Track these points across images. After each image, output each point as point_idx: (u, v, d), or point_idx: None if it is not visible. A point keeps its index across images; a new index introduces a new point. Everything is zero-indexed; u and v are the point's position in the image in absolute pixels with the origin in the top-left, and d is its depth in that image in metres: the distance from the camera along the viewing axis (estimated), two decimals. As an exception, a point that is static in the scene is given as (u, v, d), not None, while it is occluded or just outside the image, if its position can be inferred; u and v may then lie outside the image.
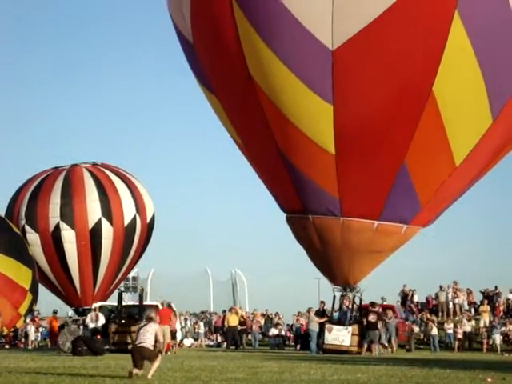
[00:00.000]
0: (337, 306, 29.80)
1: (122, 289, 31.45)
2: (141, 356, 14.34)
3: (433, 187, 26.05)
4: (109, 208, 37.97)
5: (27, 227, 37.75)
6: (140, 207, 39.11)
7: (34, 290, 41.43)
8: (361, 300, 29.08)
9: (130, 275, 32.22)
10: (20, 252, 40.05)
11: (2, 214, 39.42)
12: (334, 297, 29.35)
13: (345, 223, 26.64)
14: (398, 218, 26.66)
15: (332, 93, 24.23)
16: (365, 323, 28.80)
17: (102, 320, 31.28)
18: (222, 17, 24.79)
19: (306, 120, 25.13)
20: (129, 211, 38.56)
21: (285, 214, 28.55)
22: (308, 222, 27.26)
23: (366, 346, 28.42)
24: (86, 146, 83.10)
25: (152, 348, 14.57)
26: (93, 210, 37.69)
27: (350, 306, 28.96)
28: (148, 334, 14.58)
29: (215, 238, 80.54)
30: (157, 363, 14.33)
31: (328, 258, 27.84)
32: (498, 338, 34.57)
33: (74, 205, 37.66)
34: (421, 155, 25.04)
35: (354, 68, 23.98)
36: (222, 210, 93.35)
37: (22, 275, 40.27)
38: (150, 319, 14.99)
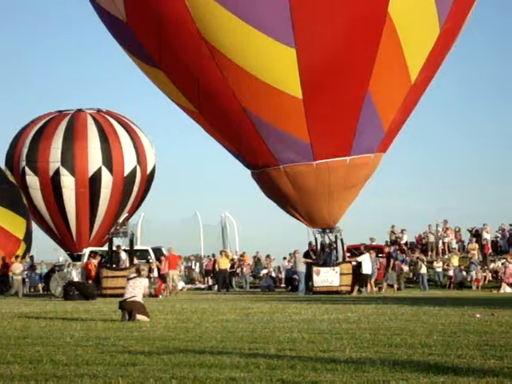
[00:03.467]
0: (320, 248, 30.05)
1: (113, 234, 31.48)
2: (131, 310, 14.39)
3: (394, 108, 26.31)
4: (110, 157, 37.83)
5: (27, 169, 37.58)
6: (141, 158, 38.96)
7: (27, 240, 41.53)
8: (342, 239, 29.25)
9: (121, 220, 32.21)
10: (14, 202, 39.99)
11: (3, 156, 39.25)
12: (316, 239, 29.56)
13: (319, 166, 26.78)
14: (366, 148, 26.98)
15: (293, 36, 24.14)
16: (354, 264, 29.03)
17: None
18: None
19: (270, 69, 24.99)
20: (130, 161, 38.44)
21: (249, 171, 28.57)
22: (280, 172, 27.29)
23: (356, 286, 28.68)
24: (92, 93, 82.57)
25: (142, 302, 14.63)
26: (94, 157, 37.56)
27: (333, 247, 29.16)
28: (138, 289, 14.64)
29: (205, 182, 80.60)
30: (146, 317, 14.37)
31: (304, 204, 27.99)
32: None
33: (75, 151, 37.50)
34: (382, 79, 25.26)
35: (310, 6, 23.92)
36: (211, 154, 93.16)
37: (16, 225, 40.28)
38: (138, 272, 14.97)
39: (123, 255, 30.15)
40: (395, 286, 31.28)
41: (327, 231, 29.04)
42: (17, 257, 35.52)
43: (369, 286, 29.71)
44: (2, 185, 40.49)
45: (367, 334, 11.05)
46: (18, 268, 33.02)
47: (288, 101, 25.22)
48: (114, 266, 29.85)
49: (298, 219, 29.12)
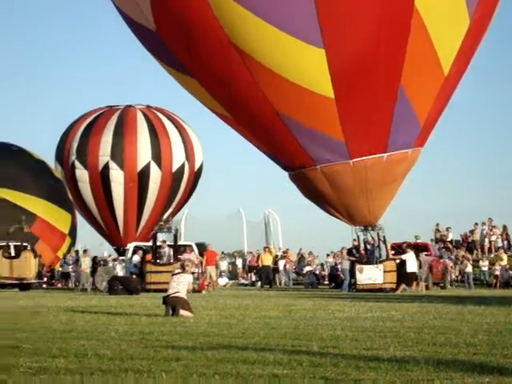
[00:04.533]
0: (362, 246, 29.95)
1: (157, 229, 31.65)
2: (174, 306, 14.47)
3: (429, 102, 26.10)
4: (159, 152, 38.05)
5: (77, 163, 37.93)
6: (189, 154, 39.12)
7: (72, 234, 42.08)
8: (384, 237, 29.10)
9: (165, 216, 32.39)
10: (60, 197, 40.57)
11: (54, 149, 39.68)
12: (358, 237, 29.47)
13: (355, 164, 26.68)
14: (402, 144, 26.81)
15: (320, 36, 24.07)
16: (398, 261, 28.84)
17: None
18: None
19: (299, 70, 24.93)
20: (178, 157, 38.61)
21: (287, 173, 28.59)
22: (316, 172, 27.26)
23: (402, 284, 28.48)
24: (141, 89, 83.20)
25: (186, 298, 14.71)
26: (143, 152, 37.79)
27: (376, 245, 29.03)
28: (182, 285, 14.71)
29: (249, 179, 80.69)
30: (190, 313, 14.43)
31: (343, 203, 27.92)
32: None
33: (124, 145, 37.77)
34: (414, 73, 25.10)
35: (336, 4, 23.84)
36: (254, 152, 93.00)
37: (61, 220, 40.89)
38: (183, 268, 15.05)
39: (167, 250, 30.34)
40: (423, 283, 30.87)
41: (369, 229, 28.92)
42: (85, 251, 35.92)
43: (414, 284, 29.51)
44: (48, 180, 41.05)
45: (411, 332, 10.97)
46: (84, 263, 33.38)
47: (320, 101, 25.19)
48: (157, 261, 30.05)
49: (338, 218, 29.06)
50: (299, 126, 26.08)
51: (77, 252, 42.30)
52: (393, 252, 30.35)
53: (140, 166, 37.76)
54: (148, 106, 40.21)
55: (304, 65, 24.68)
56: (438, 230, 40.84)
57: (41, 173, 41.25)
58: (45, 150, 48.55)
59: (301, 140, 26.54)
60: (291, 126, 26.13)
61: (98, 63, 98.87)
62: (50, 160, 42.59)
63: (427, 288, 30.51)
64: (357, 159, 26.64)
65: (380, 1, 24.03)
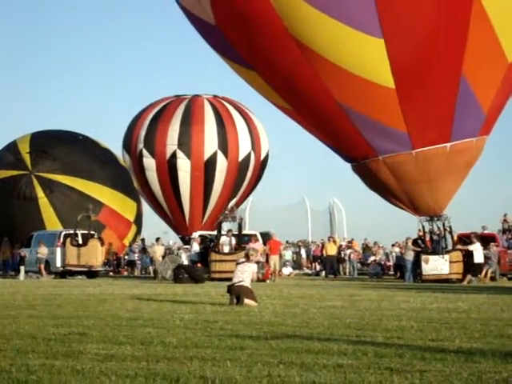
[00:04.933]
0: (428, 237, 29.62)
1: (222, 218, 31.82)
2: (239, 294, 14.53)
3: (492, 89, 25.61)
4: (225, 141, 38.22)
5: (144, 151, 38.32)
6: (255, 144, 39.19)
7: (138, 222, 42.57)
8: (450, 227, 28.76)
9: (229, 205, 32.52)
10: (125, 185, 41.08)
11: (121, 138, 40.21)
12: (423, 227, 29.16)
13: (418, 154, 26.39)
14: (467, 133, 26.41)
15: (380, 26, 23.81)
16: (465, 252, 28.49)
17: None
18: None
19: (359, 62, 24.70)
20: (244, 147, 38.72)
21: (350, 165, 28.40)
22: (379, 163, 27.03)
23: (468, 275, 28.14)
24: (208, 79, 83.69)
25: (250, 287, 14.75)
26: (210, 141, 38.01)
27: (442, 235, 28.70)
28: (246, 273, 14.75)
29: (313, 169, 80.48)
30: (254, 302, 14.47)
31: (407, 193, 27.65)
32: None
33: (192, 134, 38.04)
34: (476, 61, 24.67)
35: None
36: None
37: (127, 208, 41.39)
38: (247, 257, 15.08)
39: (231, 240, 30.47)
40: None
41: (435, 219, 28.60)
42: (157, 239, 36.42)
43: (482, 275, 29.13)
44: (114, 168, 41.58)
45: (478, 324, 10.83)
46: (158, 251, 33.81)
47: (381, 91, 24.98)
48: (222, 250, 30.21)
49: (403, 209, 28.81)
50: (361, 117, 25.93)
51: (143, 240, 42.81)
52: (460, 243, 29.98)
53: (207, 155, 37.95)
54: (215, 96, 40.36)
55: (364, 56, 24.53)
56: (505, 221, 40.15)
57: (107, 161, 41.78)
58: (111, 139, 49.21)
59: (362, 131, 26.39)
60: (353, 117, 25.99)
61: (165, 53, 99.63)
62: (115, 149, 43.18)
63: (494, 279, 30.06)
64: (420, 149, 26.39)
65: None
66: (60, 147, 40.93)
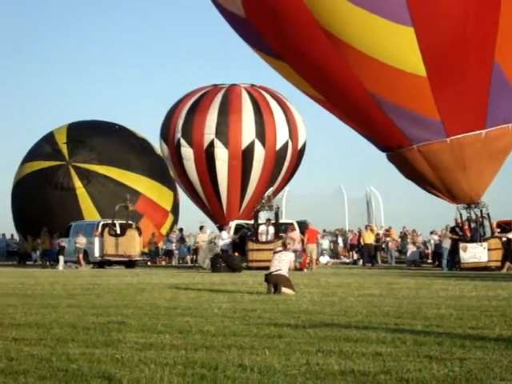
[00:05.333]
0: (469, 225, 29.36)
1: (259, 207, 31.81)
2: (276, 283, 14.53)
3: None
4: (263, 130, 38.17)
5: (182, 141, 38.40)
6: (293, 133, 39.10)
7: (174, 212, 42.78)
8: (488, 214, 28.50)
9: (266, 194, 32.51)
10: (162, 174, 41.28)
11: (158, 128, 40.36)
12: (461, 215, 28.94)
13: (453, 142, 26.18)
14: (502, 119, 26.12)
15: (409, 14, 23.61)
16: (505, 239, 28.25)
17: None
18: None
19: (390, 51, 24.53)
20: (282, 136, 38.64)
21: (385, 154, 28.25)
22: (414, 152, 26.87)
23: (507, 263, 27.89)
24: (245, 68, 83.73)
25: (287, 275, 14.75)
26: (247, 130, 37.97)
27: (480, 222, 28.45)
28: (284, 262, 14.75)
29: (350, 157, 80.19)
30: (291, 291, 14.47)
31: (443, 181, 27.45)
32: None
33: (229, 123, 38.03)
34: (509, 47, 24.34)
35: None
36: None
37: (163, 197, 41.60)
38: (284, 246, 15.07)
39: (269, 229, 30.44)
40: None
41: (472, 206, 28.38)
42: (201, 227, 36.59)
43: None
44: (150, 158, 41.79)
45: (518, 311, 10.74)
46: (203, 239, 33.98)
47: (413, 80, 24.82)
48: (260, 239, 30.23)
49: (440, 197, 28.63)
50: (393, 106, 25.80)
51: (181, 230, 42.98)
52: (499, 230, 29.72)
53: (244, 144, 37.92)
54: (252, 85, 40.31)
55: (394, 44, 24.40)
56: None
57: (143, 151, 42.01)
58: (148, 129, 49.39)
59: (396, 120, 26.26)
60: (385, 106, 25.88)
61: (201, 43, 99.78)
62: (152, 138, 43.35)
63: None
64: (454, 137, 26.20)
65: None
66: (96, 137, 41.22)
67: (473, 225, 28.84)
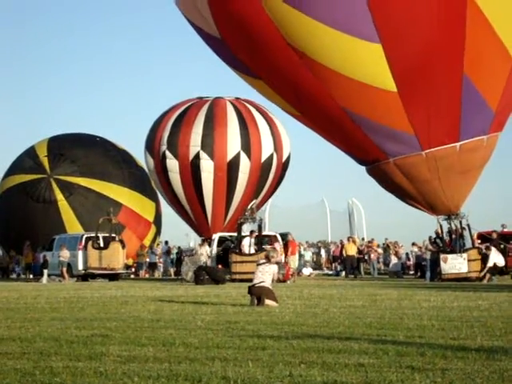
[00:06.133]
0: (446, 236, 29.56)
1: (242, 220, 31.83)
2: (260, 295, 14.57)
3: (499, 88, 25.56)
4: (248, 142, 38.24)
5: (168, 153, 38.38)
6: (278, 145, 39.21)
7: (157, 223, 42.70)
8: (468, 225, 28.68)
9: (250, 206, 32.54)
10: (144, 186, 41.27)
11: (141, 139, 40.36)
12: (441, 226, 29.13)
13: (428, 155, 26.40)
14: (476, 131, 26.34)
15: (376, 31, 23.86)
16: (483, 250, 28.44)
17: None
18: (245, 4, 24.46)
19: (359, 67, 24.77)
20: (267, 148, 38.72)
21: (364, 168, 28.46)
22: (391, 165, 27.08)
23: (488, 274, 28.05)
24: (228, 82, 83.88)
25: (271, 287, 14.79)
26: (233, 142, 38.02)
27: (459, 233, 28.62)
28: (267, 274, 14.79)
29: (332, 169, 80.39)
30: (275, 303, 14.51)
31: (422, 194, 27.67)
32: None
33: (215, 135, 38.08)
34: (477, 60, 24.66)
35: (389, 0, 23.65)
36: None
37: (146, 208, 41.54)
38: (268, 259, 15.12)
39: (252, 241, 30.47)
40: None
41: (452, 217, 28.56)
42: (203, 241, 36.39)
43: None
44: (131, 169, 41.77)
45: (499, 322, 10.82)
46: (205, 252, 33.81)
47: (384, 96, 25.03)
48: (242, 251, 30.25)
49: (420, 209, 28.83)
50: (366, 121, 26.03)
51: (166, 243, 42.95)
52: (479, 241, 29.91)
53: (230, 156, 37.96)
54: (237, 98, 40.42)
55: (362, 61, 24.63)
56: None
57: (124, 162, 42.00)
58: (131, 142, 49.38)
59: (370, 135, 26.49)
60: (359, 122, 26.11)
61: (184, 57, 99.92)
62: (134, 151, 43.31)
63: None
64: (429, 150, 26.42)
65: None
66: (77, 149, 41.23)
67: (453, 236, 29.01)
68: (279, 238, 32.57)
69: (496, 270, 28.33)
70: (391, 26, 24.07)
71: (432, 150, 26.40)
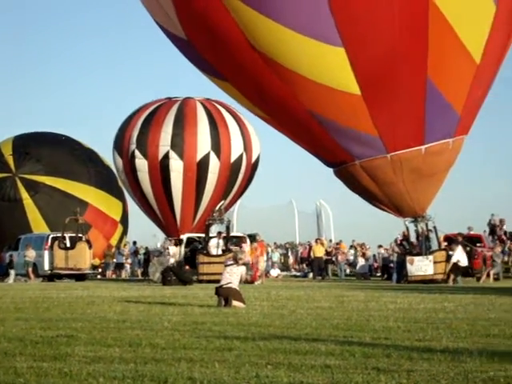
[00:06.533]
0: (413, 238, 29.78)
1: (210, 220, 31.81)
2: (227, 296, 14.55)
3: (463, 92, 25.80)
4: (218, 142, 38.17)
5: (137, 152, 38.18)
6: (247, 146, 39.19)
7: (124, 222, 42.50)
8: (435, 227, 28.90)
9: (218, 207, 32.51)
10: (110, 184, 41.06)
11: (112, 139, 40.14)
12: (407, 228, 29.34)
13: (393, 158, 26.57)
14: (441, 134, 26.55)
15: (338, 35, 23.98)
16: (451, 253, 28.64)
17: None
18: (209, 5, 24.47)
19: (323, 71, 24.89)
20: (237, 148, 38.68)
21: (332, 170, 28.60)
22: (357, 168, 27.23)
23: (452, 275, 28.26)
24: (198, 82, 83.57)
25: (238, 289, 14.78)
26: (203, 142, 37.93)
27: (426, 235, 28.83)
28: (235, 275, 14.78)
29: (301, 171, 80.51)
30: (242, 304, 14.50)
31: (388, 196, 27.85)
32: None
33: (184, 135, 37.96)
34: (441, 64, 24.88)
35: (350, 3, 23.74)
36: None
37: (112, 207, 41.33)
38: (236, 260, 15.10)
39: (220, 242, 30.45)
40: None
41: (419, 220, 28.75)
42: (177, 241, 36.15)
43: (484, 276, 29.50)
44: (97, 168, 41.55)
45: (464, 324, 10.90)
46: (178, 253, 33.66)
47: (348, 99, 25.16)
48: (210, 252, 30.22)
49: (386, 211, 29.00)
50: (333, 124, 26.13)
51: (135, 243, 42.79)
52: (445, 243, 30.13)
53: (199, 155, 37.87)
54: (207, 99, 40.37)
55: (326, 65, 24.72)
56: (492, 222, 40.38)
57: (90, 161, 41.80)
58: (100, 142, 49.00)
59: (336, 137, 26.60)
60: (325, 124, 26.22)
61: (154, 57, 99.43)
62: (103, 150, 43.08)
63: (498, 280, 30.41)
64: (394, 153, 26.57)
65: None
66: (42, 148, 40.98)
67: (420, 238, 29.19)
68: (247, 238, 32.59)
69: (459, 271, 28.52)
70: (354, 29, 24.14)
71: (397, 152, 26.55)
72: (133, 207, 41.85)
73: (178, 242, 34.39)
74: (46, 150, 40.94)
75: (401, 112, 25.62)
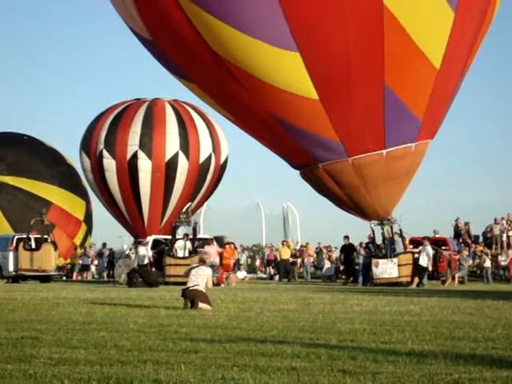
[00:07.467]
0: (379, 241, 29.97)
1: (176, 222, 31.72)
2: (193, 298, 14.53)
3: (424, 97, 25.98)
4: (187, 143, 38.08)
5: (105, 152, 37.96)
6: (216, 147, 39.14)
7: (88, 222, 42.22)
8: (401, 230, 29.09)
9: (184, 209, 32.41)
10: (73, 184, 40.81)
11: (80, 139, 39.88)
12: (374, 231, 29.51)
13: (355, 162, 26.74)
14: (402, 139, 26.72)
15: (293, 40, 24.09)
16: (416, 256, 28.83)
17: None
18: (169, 9, 24.52)
19: (280, 75, 25.01)
20: (205, 149, 38.64)
21: (297, 171, 28.74)
22: (320, 171, 27.40)
23: (416, 278, 28.44)
24: (167, 84, 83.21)
25: (204, 291, 14.75)
26: (171, 142, 37.82)
27: (391, 238, 29.01)
28: (201, 278, 14.75)
29: (268, 173, 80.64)
30: (208, 306, 14.49)
31: (352, 199, 28.03)
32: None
33: (153, 135, 37.83)
34: (398, 70, 25.06)
35: (303, 8, 23.87)
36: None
37: (76, 207, 41.04)
38: (202, 262, 15.07)
39: (186, 244, 30.37)
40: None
41: (385, 223, 28.92)
42: (145, 243, 35.84)
43: (449, 280, 29.73)
44: (61, 167, 41.27)
45: (429, 326, 10.97)
46: (146, 254, 33.41)
47: (307, 103, 25.26)
48: (176, 254, 30.14)
49: (351, 213, 29.14)
50: (293, 127, 26.24)
51: (104, 244, 42.55)
52: (411, 246, 30.33)
53: (168, 155, 37.77)
54: (175, 100, 40.30)
55: (282, 70, 24.79)
56: (457, 225, 40.72)
57: (53, 160, 41.50)
58: (65, 142, 48.68)
59: (299, 141, 26.72)
60: (287, 128, 26.34)
61: (121, 58, 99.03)
62: (67, 150, 42.80)
63: (463, 283, 30.65)
64: (356, 157, 26.71)
65: (347, 2, 23.95)
66: (4, 148, 40.62)
67: (386, 241, 29.37)
68: (214, 241, 32.55)
69: (424, 273, 28.68)
70: (308, 35, 24.19)
71: (358, 156, 26.67)
72: (99, 208, 41.66)
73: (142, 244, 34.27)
74: (7, 149, 40.58)
75: (359, 117, 25.72)
